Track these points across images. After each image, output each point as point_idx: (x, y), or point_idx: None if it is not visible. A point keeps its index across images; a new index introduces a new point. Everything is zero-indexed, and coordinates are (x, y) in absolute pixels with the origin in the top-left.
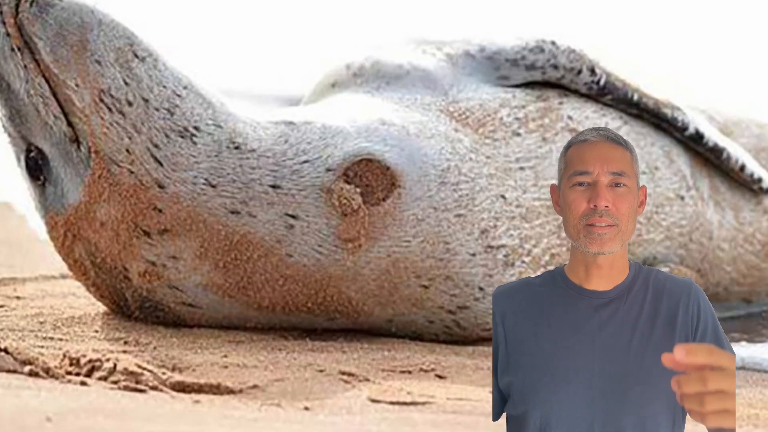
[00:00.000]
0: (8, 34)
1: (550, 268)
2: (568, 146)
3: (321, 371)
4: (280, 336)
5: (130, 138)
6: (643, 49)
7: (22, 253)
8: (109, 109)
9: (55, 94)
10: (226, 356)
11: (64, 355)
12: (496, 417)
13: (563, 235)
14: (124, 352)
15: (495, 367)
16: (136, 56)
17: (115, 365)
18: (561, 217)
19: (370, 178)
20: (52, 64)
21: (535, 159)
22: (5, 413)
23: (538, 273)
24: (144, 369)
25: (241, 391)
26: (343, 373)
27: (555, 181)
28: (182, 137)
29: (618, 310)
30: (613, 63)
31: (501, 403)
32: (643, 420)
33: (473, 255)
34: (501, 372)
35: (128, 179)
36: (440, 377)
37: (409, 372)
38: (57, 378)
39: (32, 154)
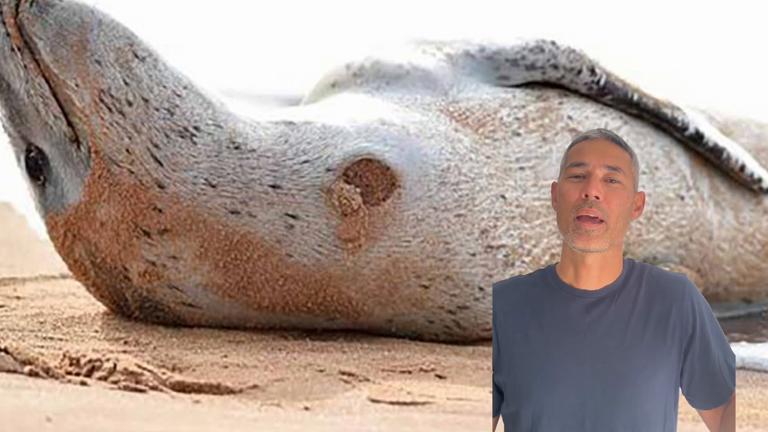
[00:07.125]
0: (8, 34)
1: None
2: (571, 145)
3: (321, 371)
4: (280, 336)
5: (130, 138)
6: (643, 49)
7: (22, 253)
8: (109, 109)
9: (55, 94)
10: (226, 356)
11: (64, 355)
12: (495, 413)
13: None
14: (124, 352)
15: (494, 363)
16: (136, 56)
17: (115, 365)
18: None
19: (370, 178)
20: (52, 64)
21: (535, 159)
22: (5, 413)
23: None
24: (144, 369)
25: (241, 391)
26: (343, 373)
27: (557, 181)
28: (182, 137)
29: (609, 309)
30: (613, 63)
31: (500, 400)
32: (634, 420)
33: (473, 255)
34: (495, 370)
35: (128, 179)
36: (440, 377)
37: (409, 372)
38: (57, 378)
39: (32, 154)
